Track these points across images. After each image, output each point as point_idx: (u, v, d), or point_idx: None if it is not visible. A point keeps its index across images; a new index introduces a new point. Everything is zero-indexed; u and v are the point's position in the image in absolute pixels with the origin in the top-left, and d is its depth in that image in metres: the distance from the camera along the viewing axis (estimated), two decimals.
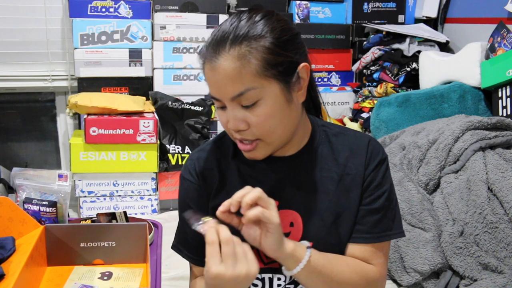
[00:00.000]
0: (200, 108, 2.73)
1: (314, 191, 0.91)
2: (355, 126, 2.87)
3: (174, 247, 1.00)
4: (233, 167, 0.95)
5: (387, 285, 2.01)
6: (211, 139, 1.03)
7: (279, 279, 0.93)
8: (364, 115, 2.85)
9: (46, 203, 1.07)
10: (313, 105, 1.00)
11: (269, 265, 0.92)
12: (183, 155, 2.68)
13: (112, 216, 1.12)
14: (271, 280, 0.93)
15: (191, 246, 0.96)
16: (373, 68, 2.91)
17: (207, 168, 0.96)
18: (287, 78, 0.82)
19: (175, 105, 2.68)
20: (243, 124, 0.82)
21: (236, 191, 0.84)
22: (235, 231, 0.79)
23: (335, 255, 0.89)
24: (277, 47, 0.80)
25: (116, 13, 2.70)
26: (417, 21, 3.08)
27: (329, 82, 3.11)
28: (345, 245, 0.92)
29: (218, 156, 0.97)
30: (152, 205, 2.69)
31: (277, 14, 0.84)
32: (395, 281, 1.94)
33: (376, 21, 3.05)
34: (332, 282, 0.86)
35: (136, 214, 2.65)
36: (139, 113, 2.57)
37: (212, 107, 2.74)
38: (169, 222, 2.25)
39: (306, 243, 0.86)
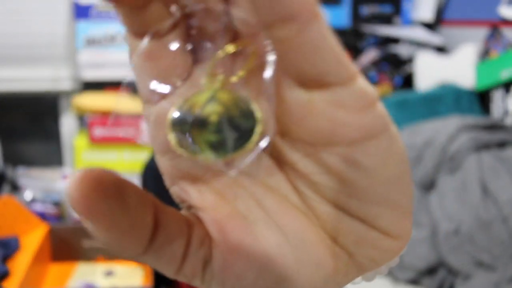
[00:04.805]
0: None
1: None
2: None
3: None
4: None
5: (382, 281, 2.04)
6: None
7: None
8: None
9: (51, 202, 1.10)
10: None
11: None
12: None
13: None
14: None
15: None
16: (369, 70, 2.94)
17: None
18: None
19: None
20: None
21: None
22: None
23: None
24: None
25: None
26: (414, 24, 3.11)
27: None
28: None
29: None
30: None
31: None
32: (391, 277, 1.98)
33: (373, 24, 3.07)
34: None
35: None
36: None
37: None
38: None
39: None
